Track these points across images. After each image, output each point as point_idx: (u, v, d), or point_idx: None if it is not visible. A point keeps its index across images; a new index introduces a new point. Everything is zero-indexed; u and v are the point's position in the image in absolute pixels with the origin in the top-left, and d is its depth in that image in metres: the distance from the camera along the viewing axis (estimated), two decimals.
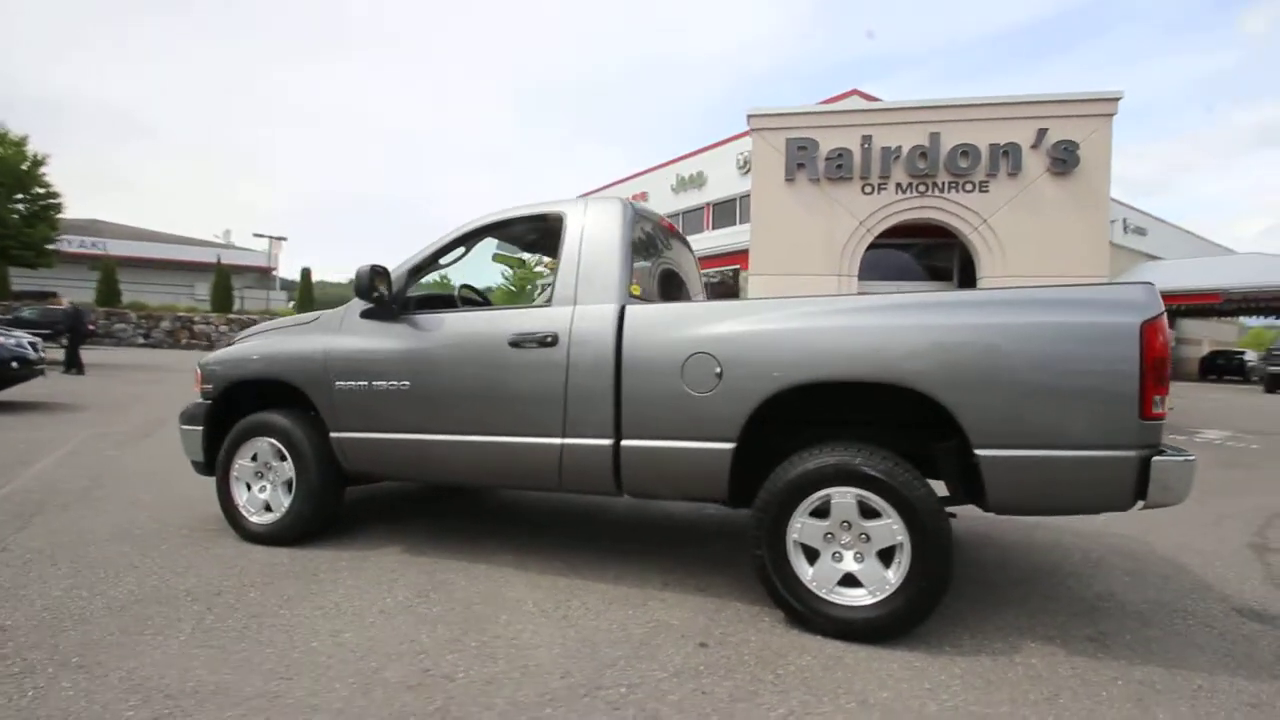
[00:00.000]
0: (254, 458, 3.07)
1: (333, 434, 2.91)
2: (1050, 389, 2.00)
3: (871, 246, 10.26)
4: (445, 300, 3.16)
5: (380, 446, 2.83)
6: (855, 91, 21.20)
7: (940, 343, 2.09)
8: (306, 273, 32.22)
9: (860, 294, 2.61)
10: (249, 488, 3.09)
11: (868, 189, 10.05)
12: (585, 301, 2.58)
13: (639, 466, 2.46)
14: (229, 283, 30.06)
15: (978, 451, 2.05)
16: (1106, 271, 9.54)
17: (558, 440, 2.54)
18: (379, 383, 2.80)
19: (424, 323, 2.82)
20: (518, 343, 2.59)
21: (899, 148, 9.81)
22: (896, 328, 2.15)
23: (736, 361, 2.30)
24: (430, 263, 2.97)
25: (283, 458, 3.00)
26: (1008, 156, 9.61)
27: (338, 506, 3.11)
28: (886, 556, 2.17)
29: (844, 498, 2.18)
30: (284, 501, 3.00)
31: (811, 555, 2.25)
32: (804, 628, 2.23)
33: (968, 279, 10.18)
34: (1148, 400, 1.92)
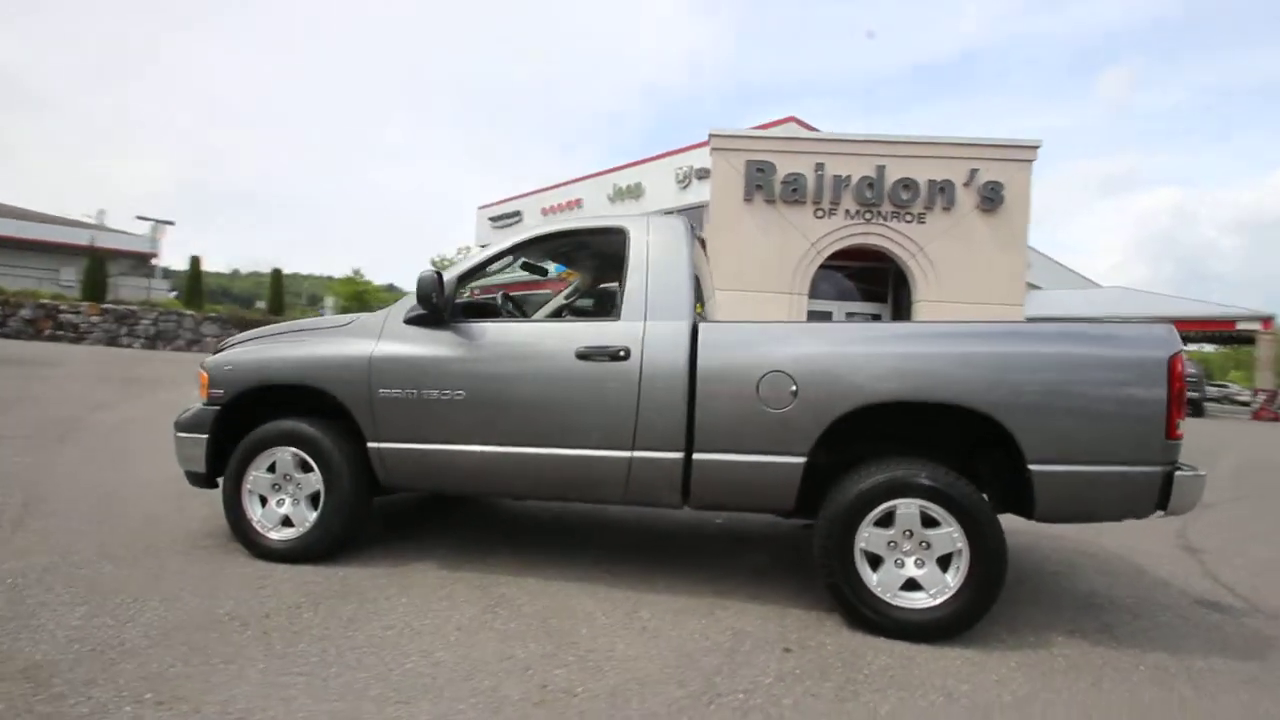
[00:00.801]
0: (271, 468, 2.88)
1: (372, 444, 2.80)
2: (1094, 413, 2.31)
3: (820, 267, 10.95)
4: (486, 309, 3.13)
5: (428, 458, 2.76)
6: (793, 119, 22.39)
7: (1004, 370, 2.36)
8: (196, 261, 29.45)
9: (923, 322, 2.86)
10: (264, 501, 2.89)
11: (819, 213, 10.72)
12: (657, 317, 2.66)
13: (710, 479, 2.56)
14: (104, 269, 26.88)
15: (1031, 467, 2.33)
16: (1023, 303, 10.72)
17: (626, 453, 2.59)
18: (430, 392, 2.72)
19: (478, 331, 2.78)
20: (586, 355, 2.63)
21: (849, 177, 10.55)
22: (967, 355, 2.40)
23: (814, 381, 2.46)
24: (481, 270, 2.94)
25: (307, 469, 2.84)
26: (944, 192, 10.60)
27: (366, 521, 2.98)
28: (945, 562, 2.40)
29: (909, 508, 2.40)
30: (308, 516, 2.83)
31: (875, 562, 2.44)
32: (867, 630, 2.41)
33: (900, 301, 11.09)
34: (1173, 423, 2.27)
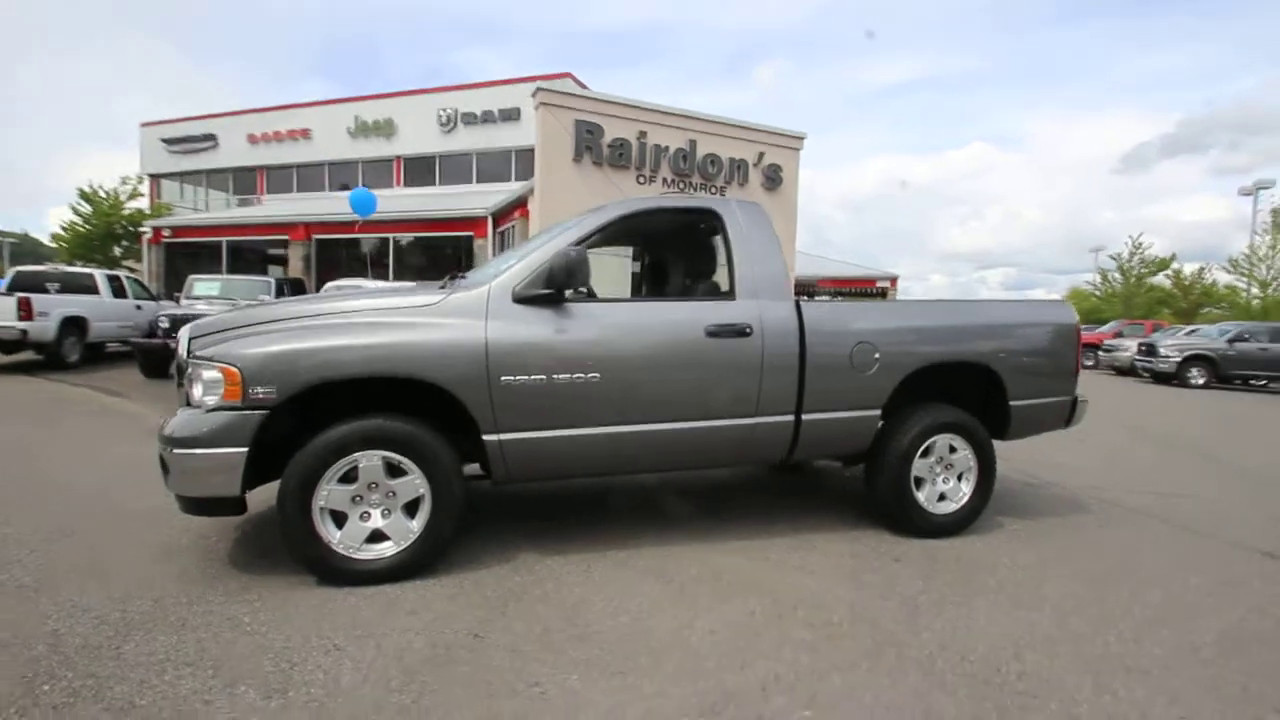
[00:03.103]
0: (346, 478, 2.44)
1: (490, 436, 2.57)
2: (1042, 362, 3.45)
3: None
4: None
5: (557, 444, 2.66)
6: (569, 74, 22.52)
7: (997, 335, 3.34)
8: None
9: (948, 300, 3.69)
10: (337, 519, 2.44)
11: (641, 179, 11.43)
12: (766, 297, 2.99)
13: (813, 436, 3.06)
14: None
15: (1011, 403, 3.38)
16: (794, 269, 13.16)
17: (751, 420, 2.92)
18: (561, 376, 2.62)
19: (602, 311, 2.74)
20: (716, 333, 2.84)
21: (667, 147, 11.43)
22: (979, 326, 3.31)
23: (891, 348, 3.12)
24: (584, 244, 2.84)
25: (396, 473, 2.48)
26: (740, 170, 12.25)
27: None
28: (961, 477, 3.34)
29: (942, 441, 3.26)
30: (410, 526, 2.50)
31: (919, 483, 3.27)
32: (902, 532, 3.25)
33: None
34: (1078, 366, 3.53)
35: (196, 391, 2.37)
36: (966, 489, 3.34)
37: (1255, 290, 27.98)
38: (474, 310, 2.60)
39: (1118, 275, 34.77)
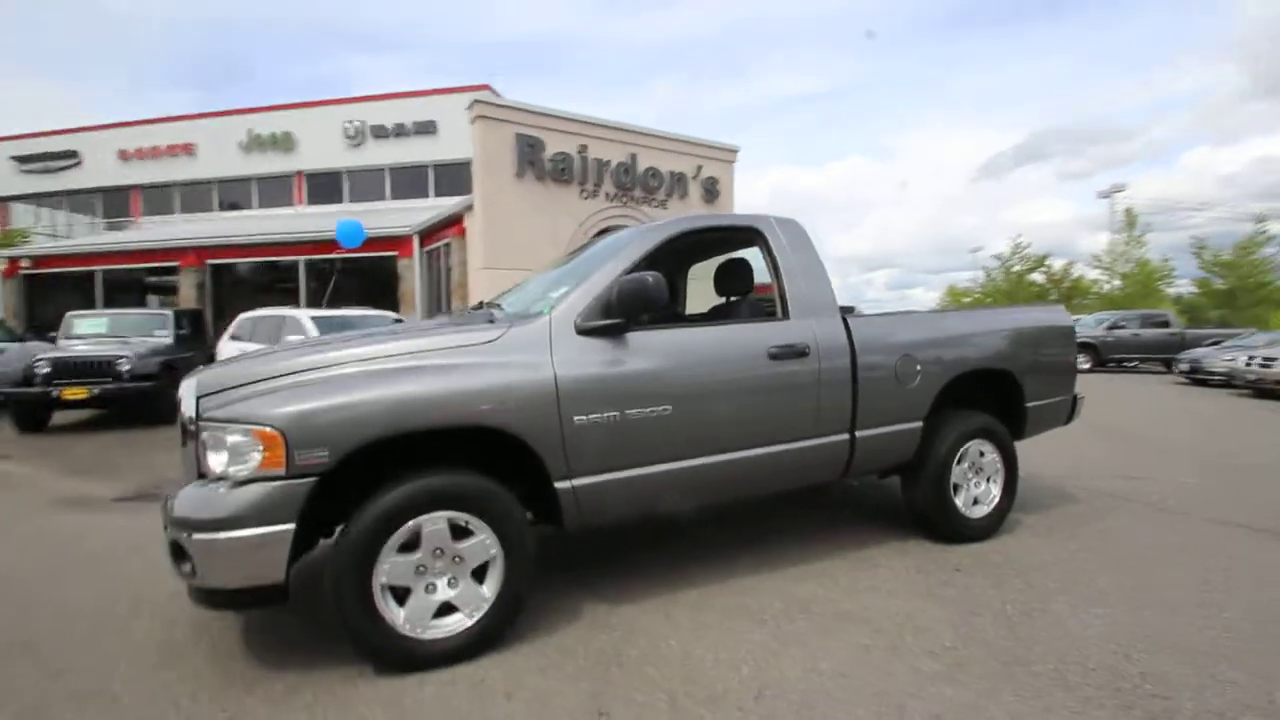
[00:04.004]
0: (407, 546, 2.14)
1: (564, 483, 2.35)
2: (1050, 365, 3.64)
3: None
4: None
5: (636, 484, 2.47)
6: (487, 86, 21.95)
7: (1014, 342, 3.48)
8: None
9: (970, 310, 3.77)
10: (399, 596, 2.14)
11: (584, 194, 11.27)
12: (817, 315, 2.95)
13: (866, 451, 3.04)
14: None
15: (1027, 405, 3.54)
16: None
17: (811, 441, 2.86)
18: (634, 410, 2.44)
19: (661, 339, 2.58)
20: (777, 355, 2.76)
21: (609, 161, 11.35)
22: (1000, 333, 3.43)
23: (930, 359, 3.17)
24: (639, 268, 2.68)
25: (463, 534, 2.22)
26: (680, 183, 12.39)
27: None
28: (988, 478, 3.44)
29: (975, 445, 3.35)
30: (483, 593, 2.24)
31: (955, 489, 3.34)
32: (940, 540, 3.31)
33: None
34: (1075, 366, 3.76)
35: (218, 461, 2.00)
36: (996, 491, 3.45)
37: (1117, 282, 31.69)
38: (538, 345, 2.38)
39: (1000, 273, 38.31)
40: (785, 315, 2.91)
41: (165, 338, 9.40)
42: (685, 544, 3.34)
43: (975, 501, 3.39)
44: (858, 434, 3.00)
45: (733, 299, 3.30)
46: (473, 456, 2.39)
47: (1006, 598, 2.65)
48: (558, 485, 2.35)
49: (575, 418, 2.34)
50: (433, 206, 16.61)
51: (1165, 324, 16.34)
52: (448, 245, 12.84)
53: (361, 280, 18.86)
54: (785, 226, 3.10)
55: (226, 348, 8.45)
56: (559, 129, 10.85)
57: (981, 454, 3.39)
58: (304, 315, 7.89)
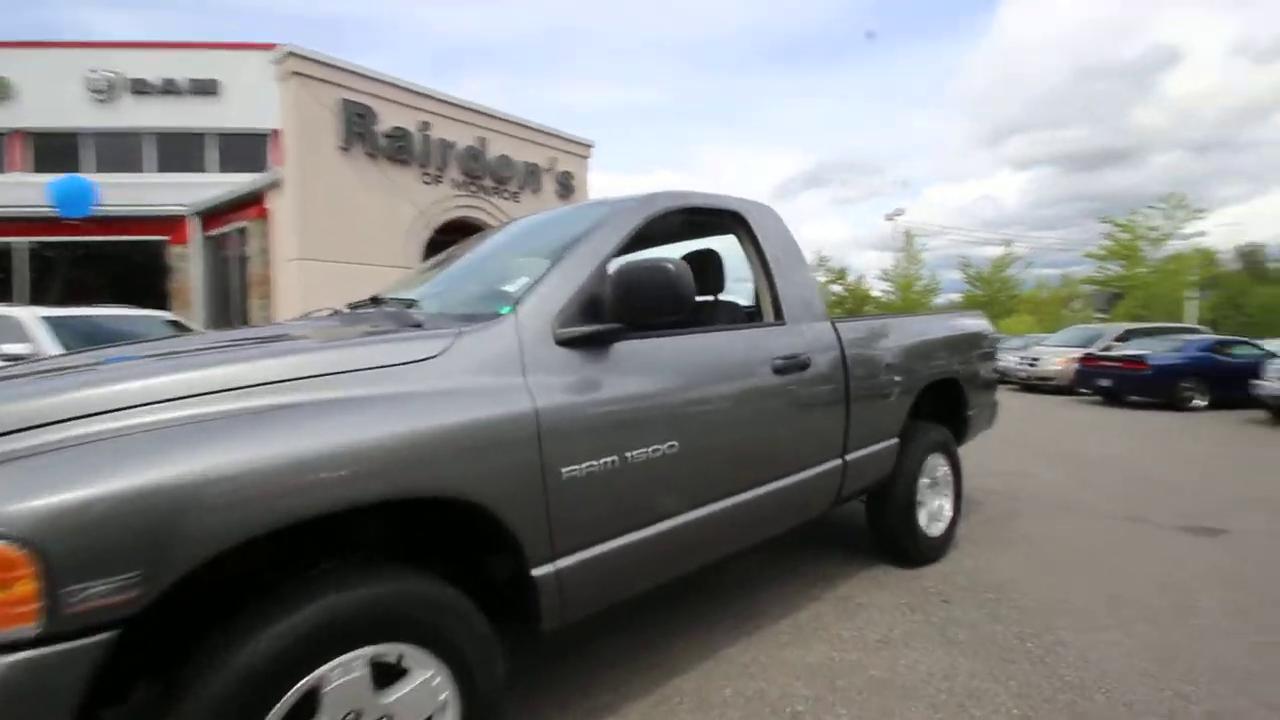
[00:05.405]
0: (308, 711, 1.25)
1: (545, 568, 1.58)
2: (981, 369, 3.63)
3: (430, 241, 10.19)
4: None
5: (637, 553, 1.78)
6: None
7: (957, 348, 3.38)
8: None
9: (914, 315, 3.53)
10: None
11: (427, 179, 9.93)
12: (811, 319, 2.51)
13: (855, 475, 2.67)
14: None
15: (969, 412, 3.48)
16: None
17: (811, 471, 2.41)
18: (637, 451, 1.75)
19: (658, 351, 1.92)
20: (782, 368, 2.25)
21: (454, 143, 10.12)
22: (947, 340, 3.30)
23: (907, 371, 2.91)
24: (621, 253, 1.98)
25: (395, 677, 1.37)
26: (534, 175, 11.52)
27: None
28: (943, 490, 3.31)
29: (934, 459, 3.19)
30: None
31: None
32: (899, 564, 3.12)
33: None
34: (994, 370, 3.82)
35: None
36: (948, 506, 3.32)
37: (900, 294, 37.09)
38: (503, 362, 1.58)
39: None
40: (779, 319, 2.42)
41: None
42: (641, 613, 2.69)
43: (932, 519, 3.22)
44: (849, 457, 2.61)
45: (706, 299, 2.72)
46: (397, 535, 1.54)
47: (1012, 630, 2.44)
48: (536, 573, 1.57)
49: (564, 469, 1.59)
50: (216, 183, 13.65)
51: None
52: (242, 230, 10.53)
53: (114, 271, 15.04)
54: (763, 213, 2.62)
55: None
56: (396, 99, 9.38)
57: (938, 468, 3.24)
58: (28, 315, 5.70)
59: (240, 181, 11.09)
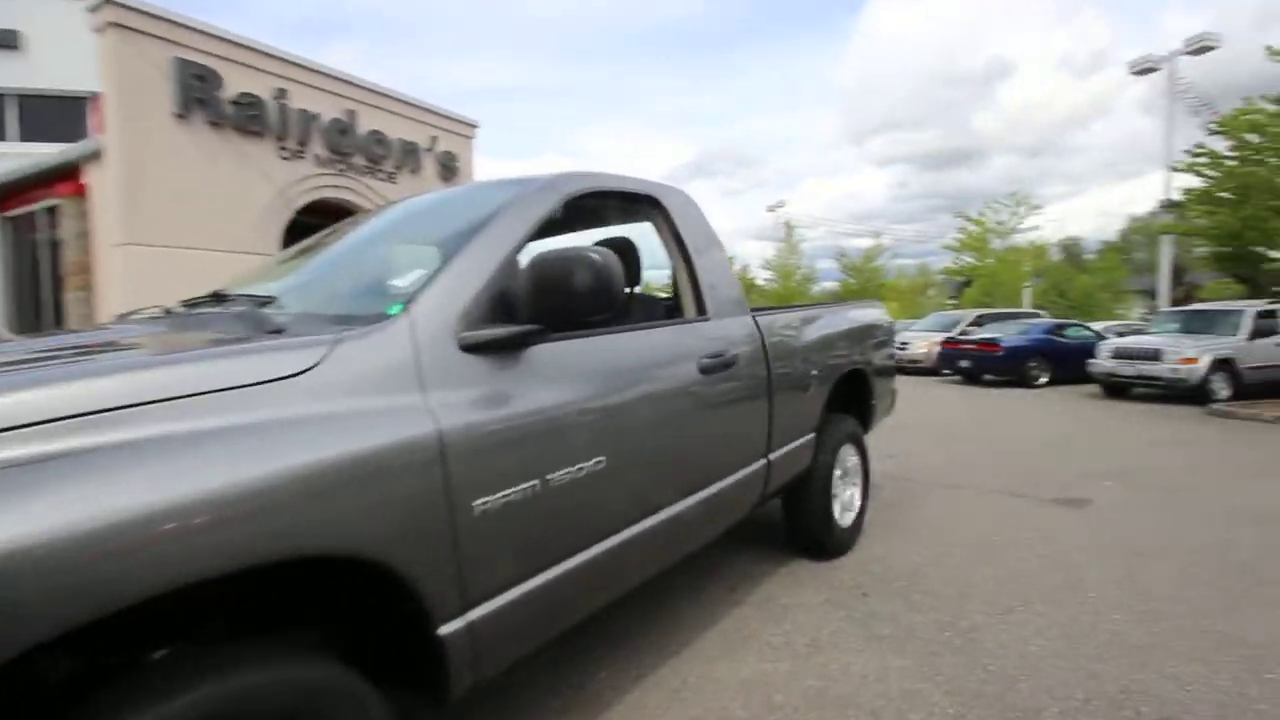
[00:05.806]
0: None
1: (454, 624, 1.30)
2: (882, 355, 3.71)
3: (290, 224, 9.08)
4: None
5: (561, 589, 1.53)
6: None
7: (861, 338, 3.42)
8: None
9: (816, 306, 3.46)
10: None
11: (285, 153, 8.84)
12: (734, 313, 2.37)
13: (778, 474, 2.59)
14: None
15: (874, 402, 3.55)
16: None
17: (738, 475, 2.29)
18: (559, 473, 1.51)
19: (577, 354, 1.67)
20: (708, 368, 2.09)
21: (318, 115, 9.08)
22: (852, 330, 3.32)
23: (821, 362, 2.87)
24: (526, 244, 1.71)
25: None
26: (412, 154, 10.65)
27: None
28: (854, 482, 3.37)
29: (849, 454, 3.23)
30: None
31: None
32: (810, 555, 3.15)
33: None
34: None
35: None
36: (857, 496, 3.37)
37: (781, 284, 39.01)
38: (396, 375, 1.27)
39: None
40: (702, 314, 2.26)
41: None
42: (557, 645, 2.45)
43: (844, 509, 3.25)
44: (772, 456, 2.52)
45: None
46: (255, 603, 1.20)
47: (935, 620, 2.47)
48: (444, 630, 1.29)
49: (475, 503, 1.32)
50: (18, 153, 11.42)
51: None
52: (51, 209, 8.84)
53: None
54: (681, 199, 2.44)
55: None
56: (244, 61, 8.19)
57: (849, 459, 3.28)
58: None
59: (44, 154, 9.30)
